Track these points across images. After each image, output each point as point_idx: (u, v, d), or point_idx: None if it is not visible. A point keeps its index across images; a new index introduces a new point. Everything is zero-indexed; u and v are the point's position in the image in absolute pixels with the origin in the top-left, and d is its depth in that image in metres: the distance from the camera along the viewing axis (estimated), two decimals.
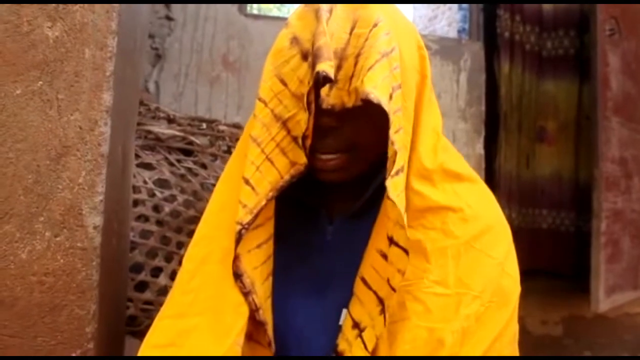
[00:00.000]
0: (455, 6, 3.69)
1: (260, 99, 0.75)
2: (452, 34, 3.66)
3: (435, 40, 3.44)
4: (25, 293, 0.99)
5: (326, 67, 0.66)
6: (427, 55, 0.83)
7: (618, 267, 2.80)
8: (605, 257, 2.67)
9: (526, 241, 3.31)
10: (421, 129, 0.80)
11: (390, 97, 0.68)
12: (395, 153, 0.68)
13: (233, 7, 3.06)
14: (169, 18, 2.98)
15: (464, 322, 0.74)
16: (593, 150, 2.77)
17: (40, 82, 1.01)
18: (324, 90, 0.71)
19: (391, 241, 0.71)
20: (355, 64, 0.70)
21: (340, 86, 0.71)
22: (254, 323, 0.78)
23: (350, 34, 0.72)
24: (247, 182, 0.74)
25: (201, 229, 0.83)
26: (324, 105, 0.72)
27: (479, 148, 3.30)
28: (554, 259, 3.38)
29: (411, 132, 0.77)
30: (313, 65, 0.67)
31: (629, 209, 2.91)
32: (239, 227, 0.74)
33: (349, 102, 0.71)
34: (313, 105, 0.71)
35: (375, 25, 0.71)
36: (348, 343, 0.75)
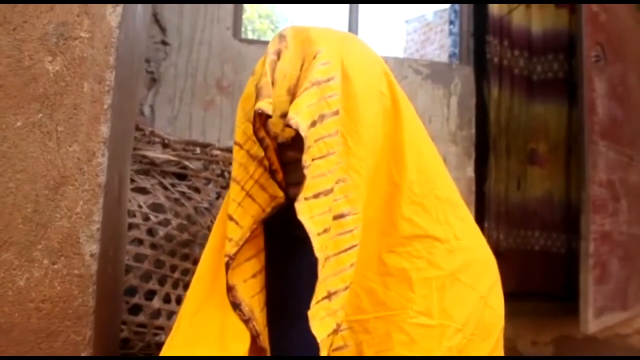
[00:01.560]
0: (446, 30, 3.77)
1: (236, 143, 0.80)
2: (444, 57, 3.73)
3: (426, 65, 3.51)
4: (22, 319, 1.02)
5: (263, 104, 0.70)
6: (395, 81, 0.86)
7: (606, 289, 2.82)
8: (593, 279, 2.70)
9: (517, 263, 3.34)
10: (408, 154, 0.83)
11: (314, 123, 0.71)
12: (306, 179, 0.70)
13: (227, 32, 3.12)
14: (164, 43, 3.03)
15: (446, 354, 0.77)
16: (580, 173, 2.81)
17: (40, 115, 1.05)
18: (279, 126, 0.75)
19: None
20: None
21: None
22: (252, 351, 0.81)
23: (300, 70, 0.76)
24: (231, 218, 0.79)
25: (203, 265, 0.87)
26: (279, 140, 0.76)
27: (470, 171, 3.34)
28: (546, 281, 3.40)
29: (368, 158, 0.79)
30: (254, 105, 0.72)
31: (616, 231, 2.95)
32: (226, 259, 0.78)
33: (293, 132, 0.74)
34: (267, 141, 0.75)
35: (314, 57, 0.75)
36: None
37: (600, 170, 2.82)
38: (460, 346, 0.78)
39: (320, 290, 0.72)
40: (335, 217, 0.74)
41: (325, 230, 0.72)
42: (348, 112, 0.76)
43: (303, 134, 0.69)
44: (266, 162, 0.78)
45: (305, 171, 0.70)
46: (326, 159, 0.72)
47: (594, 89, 2.81)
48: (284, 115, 0.74)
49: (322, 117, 0.72)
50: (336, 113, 0.74)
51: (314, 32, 0.80)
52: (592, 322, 2.71)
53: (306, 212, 0.70)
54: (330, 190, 0.73)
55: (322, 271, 0.72)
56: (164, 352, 0.83)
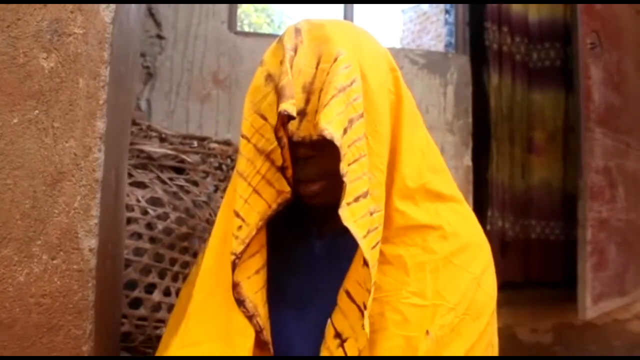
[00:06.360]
0: (442, 20, 3.76)
1: (243, 136, 0.81)
2: (440, 46, 3.73)
3: (422, 54, 3.51)
4: (23, 314, 1.03)
5: (288, 106, 0.71)
6: (400, 77, 0.88)
7: (604, 275, 2.84)
8: (591, 266, 2.72)
9: (520, 252, 3.33)
10: (403, 149, 0.85)
11: (345, 130, 0.73)
12: (346, 185, 0.72)
13: (223, 25, 3.12)
14: (160, 37, 3.02)
15: (438, 332, 0.79)
16: (577, 160, 2.82)
17: (36, 111, 1.05)
18: (294, 124, 0.77)
19: (364, 262, 0.75)
20: (319, 99, 0.76)
21: (309, 119, 0.77)
22: (256, 345, 0.82)
23: (317, 68, 0.77)
24: (237, 215, 0.79)
25: (207, 261, 0.88)
26: (295, 138, 0.77)
27: (467, 160, 3.35)
28: (545, 269, 3.40)
29: (386, 155, 0.81)
30: (277, 104, 0.73)
31: (614, 218, 2.96)
32: (232, 257, 0.79)
33: (315, 135, 0.76)
34: (285, 139, 0.76)
35: (335, 59, 0.76)
36: (329, 352, 0.80)
37: (597, 157, 2.83)
38: (452, 324, 0.79)
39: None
40: None
41: (368, 232, 0.75)
42: (368, 112, 0.78)
43: (337, 143, 0.71)
44: (273, 157, 0.79)
45: (344, 178, 0.72)
46: (359, 162, 0.75)
47: (589, 76, 2.81)
48: (299, 113, 0.76)
49: (351, 122, 0.74)
50: (362, 116, 0.76)
51: (330, 29, 0.81)
52: (591, 309, 2.73)
53: (349, 217, 0.72)
54: (367, 192, 0.75)
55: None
56: (174, 352, 0.83)
